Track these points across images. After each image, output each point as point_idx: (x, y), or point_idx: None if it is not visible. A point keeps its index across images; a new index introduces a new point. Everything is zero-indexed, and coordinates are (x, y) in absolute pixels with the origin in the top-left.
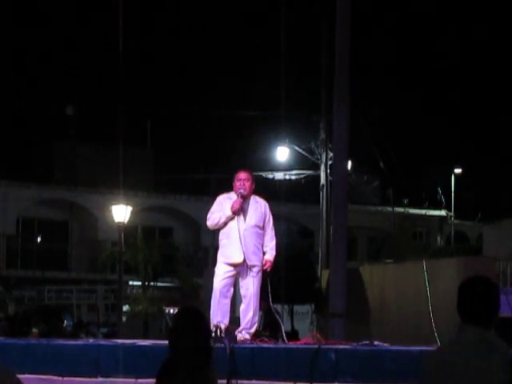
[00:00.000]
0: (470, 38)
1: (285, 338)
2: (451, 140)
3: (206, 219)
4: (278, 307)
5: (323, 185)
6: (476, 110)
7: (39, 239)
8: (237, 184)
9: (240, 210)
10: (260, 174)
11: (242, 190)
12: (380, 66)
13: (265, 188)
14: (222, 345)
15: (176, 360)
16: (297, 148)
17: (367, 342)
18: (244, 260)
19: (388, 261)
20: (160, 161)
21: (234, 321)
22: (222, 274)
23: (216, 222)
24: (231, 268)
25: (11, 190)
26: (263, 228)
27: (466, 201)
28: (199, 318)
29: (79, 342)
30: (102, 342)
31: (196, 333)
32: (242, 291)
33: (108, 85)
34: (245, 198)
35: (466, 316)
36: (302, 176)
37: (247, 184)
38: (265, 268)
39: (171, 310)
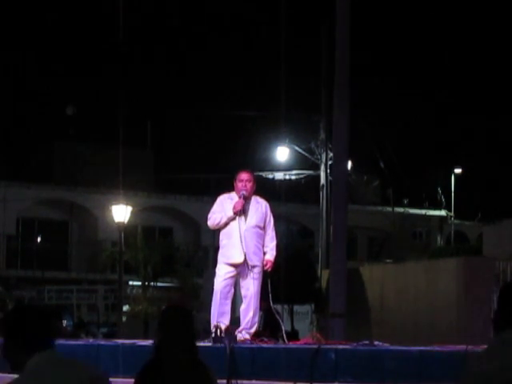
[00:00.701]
0: (470, 38)
1: (285, 338)
2: (451, 140)
3: (206, 219)
4: (278, 307)
5: (323, 185)
6: (476, 110)
7: (39, 239)
8: (239, 185)
9: (241, 211)
10: (260, 173)
11: (244, 192)
12: (380, 65)
13: (265, 188)
14: (222, 345)
15: (162, 360)
16: (297, 148)
17: (367, 342)
18: (245, 260)
19: (388, 261)
20: (160, 161)
21: (234, 321)
22: (222, 274)
23: (217, 222)
24: (232, 268)
25: (11, 190)
26: (264, 228)
27: (465, 201)
28: (187, 316)
29: (79, 342)
30: (102, 342)
31: (185, 332)
32: (243, 291)
33: (108, 85)
34: (246, 199)
35: (506, 322)
36: (301, 176)
37: (249, 185)
38: (266, 268)
39: None
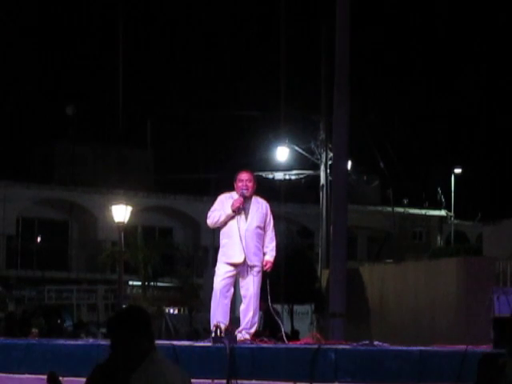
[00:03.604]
0: (470, 37)
1: (285, 337)
2: (451, 140)
3: (206, 219)
4: (278, 307)
5: (323, 185)
6: (476, 110)
7: (39, 239)
8: (239, 184)
9: (240, 210)
10: (260, 173)
11: (244, 191)
12: (380, 65)
13: (265, 188)
14: (222, 345)
15: (116, 364)
16: (297, 148)
17: (367, 342)
18: (245, 260)
19: (388, 261)
20: (160, 161)
21: (234, 321)
22: (222, 274)
23: (216, 220)
24: (232, 268)
25: (11, 190)
26: (264, 229)
27: (465, 201)
28: (141, 318)
29: (79, 342)
30: (102, 342)
31: (138, 334)
32: (242, 291)
33: (108, 85)
34: (246, 199)
35: None
36: (301, 176)
37: (250, 184)
38: (265, 269)
39: (171, 310)
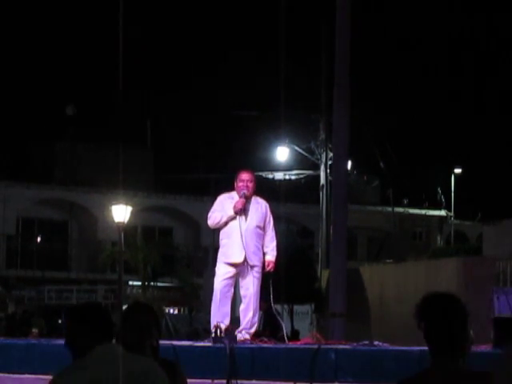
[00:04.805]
0: (469, 36)
1: (286, 337)
2: (451, 140)
3: (206, 219)
4: (278, 307)
5: (323, 185)
6: (476, 109)
7: (39, 239)
8: (240, 184)
9: (242, 211)
10: (260, 174)
11: (245, 191)
12: (380, 65)
13: (265, 188)
14: (222, 345)
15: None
16: (297, 148)
17: (367, 342)
18: (244, 260)
19: (388, 261)
20: (160, 161)
21: (234, 321)
22: (222, 274)
23: (217, 221)
24: (232, 268)
25: (11, 190)
26: (264, 228)
27: (465, 201)
28: (148, 314)
29: None
30: None
31: (145, 330)
32: (242, 291)
33: (108, 85)
34: (247, 199)
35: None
36: (301, 176)
37: (250, 185)
38: (268, 269)
39: (171, 310)
